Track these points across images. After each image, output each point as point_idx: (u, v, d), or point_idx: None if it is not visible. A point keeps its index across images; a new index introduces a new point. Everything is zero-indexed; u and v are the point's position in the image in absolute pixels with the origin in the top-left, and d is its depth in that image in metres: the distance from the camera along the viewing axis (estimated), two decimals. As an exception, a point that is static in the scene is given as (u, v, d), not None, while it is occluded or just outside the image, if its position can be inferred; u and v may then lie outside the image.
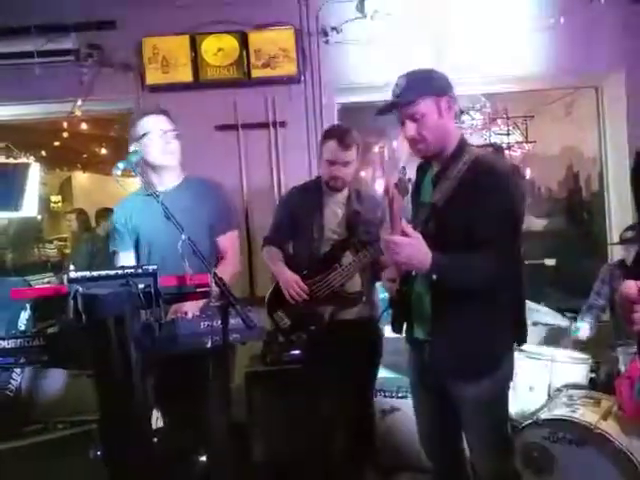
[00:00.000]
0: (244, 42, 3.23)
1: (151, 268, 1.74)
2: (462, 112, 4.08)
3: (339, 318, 2.40)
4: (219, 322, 1.74)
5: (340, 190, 2.45)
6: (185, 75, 3.22)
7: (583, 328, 2.89)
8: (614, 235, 3.62)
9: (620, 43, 3.36)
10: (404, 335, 1.88)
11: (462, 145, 1.72)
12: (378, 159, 4.83)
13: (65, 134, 4.19)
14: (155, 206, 1.88)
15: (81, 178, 7.76)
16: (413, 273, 1.74)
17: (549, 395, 2.60)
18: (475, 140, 4.05)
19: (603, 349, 2.94)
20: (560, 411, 2.36)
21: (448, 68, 3.14)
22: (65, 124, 3.80)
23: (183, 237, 1.79)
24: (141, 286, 1.65)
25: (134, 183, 2.82)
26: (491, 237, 1.58)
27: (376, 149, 4.77)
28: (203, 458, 2.22)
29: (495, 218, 1.59)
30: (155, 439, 1.95)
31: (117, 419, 1.73)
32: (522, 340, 1.82)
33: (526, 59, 3.34)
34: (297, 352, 2.63)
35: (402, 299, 1.80)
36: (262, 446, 2.72)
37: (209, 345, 1.78)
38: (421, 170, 1.88)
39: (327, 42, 3.29)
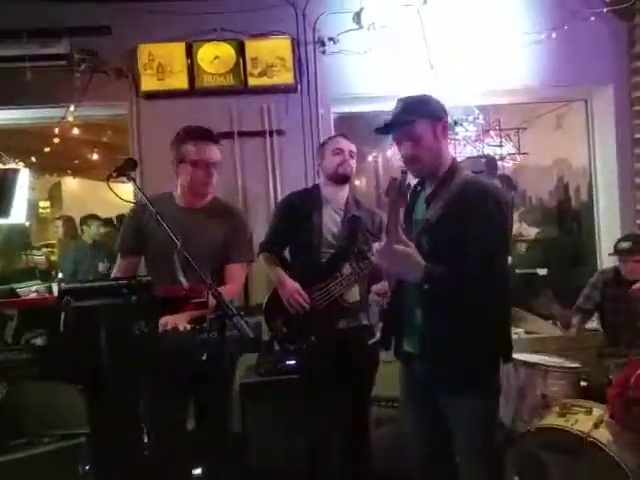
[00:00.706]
0: (241, 50, 3.22)
1: (145, 279, 1.71)
2: (456, 123, 4.11)
3: (338, 327, 2.39)
4: (215, 334, 1.71)
5: (348, 179, 2.50)
6: (181, 82, 3.20)
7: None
8: (603, 244, 3.67)
9: (608, 57, 3.44)
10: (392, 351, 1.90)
11: (454, 168, 1.81)
12: (372, 169, 4.84)
13: (56, 139, 4.13)
14: (173, 216, 1.90)
15: (71, 183, 7.67)
16: (405, 287, 1.77)
17: (542, 404, 2.59)
18: (468, 151, 4.08)
19: (594, 357, 2.95)
20: (553, 420, 2.37)
21: (443, 80, 3.25)
22: (56, 129, 3.75)
23: (179, 246, 1.76)
24: (135, 297, 1.62)
25: (127, 190, 2.79)
26: (479, 254, 1.65)
27: (370, 159, 4.78)
28: (198, 471, 2.18)
29: (483, 237, 1.66)
30: (147, 453, 1.92)
31: (108, 433, 1.69)
32: (508, 356, 1.85)
33: (518, 72, 3.39)
34: (292, 362, 2.61)
35: (393, 312, 1.83)
36: (257, 458, 2.68)
37: (204, 358, 1.75)
38: (415, 191, 1.95)
39: (324, 52, 3.30)
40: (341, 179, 2.48)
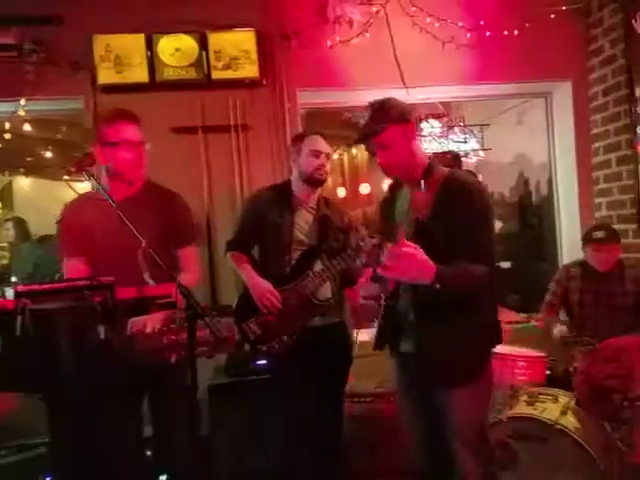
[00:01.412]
0: (203, 43, 3.13)
1: (107, 280, 1.62)
2: (421, 120, 4.14)
3: (310, 325, 2.35)
4: (184, 335, 1.65)
5: (322, 184, 2.46)
6: (141, 75, 3.08)
7: (557, 329, 2.93)
8: (563, 238, 3.76)
9: (568, 54, 3.51)
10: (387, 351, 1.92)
11: (432, 166, 1.83)
12: (338, 167, 4.82)
13: (7, 135, 3.93)
14: (108, 211, 1.77)
15: (23, 183, 7.34)
16: (400, 290, 1.76)
17: (511, 393, 2.62)
18: (434, 147, 4.11)
19: (558, 347, 3.00)
20: (522, 409, 2.41)
21: (408, 76, 3.26)
22: (7, 124, 3.57)
23: (143, 244, 1.68)
24: (97, 299, 1.54)
25: (85, 187, 2.67)
26: (474, 248, 1.67)
27: (336, 156, 4.76)
28: (163, 478, 2.10)
29: (479, 234, 1.70)
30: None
31: (71, 442, 1.60)
32: (499, 341, 1.89)
33: (480, 68, 3.41)
34: (263, 362, 2.55)
35: (389, 314, 1.82)
36: (227, 461, 2.61)
37: (173, 360, 1.69)
38: (393, 189, 1.97)
39: (289, 45, 3.25)
40: (316, 183, 2.44)
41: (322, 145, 2.42)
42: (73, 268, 2.07)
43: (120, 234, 1.75)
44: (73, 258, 2.09)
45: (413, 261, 1.56)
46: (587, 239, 2.92)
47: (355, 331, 2.14)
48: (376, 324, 1.84)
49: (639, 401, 2.29)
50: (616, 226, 3.42)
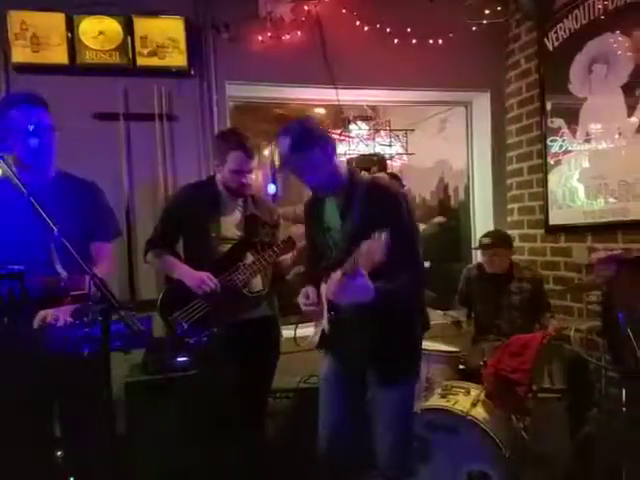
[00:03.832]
0: (129, 27, 3.02)
1: (17, 268, 1.54)
2: (349, 121, 4.22)
3: (240, 318, 2.33)
4: (98, 329, 1.58)
5: (247, 196, 2.43)
6: (59, 57, 2.92)
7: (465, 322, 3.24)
8: (477, 240, 3.97)
9: (487, 66, 3.71)
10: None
11: (353, 175, 1.91)
12: (268, 162, 4.78)
13: None
14: (20, 199, 1.66)
15: None
16: None
17: (426, 386, 2.74)
18: (361, 149, 4.20)
19: (470, 342, 3.20)
20: (436, 401, 2.52)
21: (337, 77, 3.31)
22: None
23: (55, 233, 1.59)
24: (5, 289, 1.46)
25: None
26: (406, 248, 1.76)
27: (266, 152, 4.72)
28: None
29: (404, 231, 1.78)
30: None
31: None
32: (426, 328, 2.05)
33: (406, 74, 3.51)
34: (183, 359, 2.49)
35: (334, 321, 1.88)
36: (144, 461, 2.52)
37: (86, 354, 1.62)
38: (319, 200, 2.00)
39: (219, 37, 3.19)
40: (240, 196, 2.42)
41: (243, 164, 2.31)
42: None
43: (30, 224, 1.65)
44: None
45: (358, 288, 1.62)
46: (478, 244, 3.24)
47: (294, 325, 2.13)
48: (323, 322, 1.90)
49: (541, 393, 2.47)
50: (525, 231, 3.69)
